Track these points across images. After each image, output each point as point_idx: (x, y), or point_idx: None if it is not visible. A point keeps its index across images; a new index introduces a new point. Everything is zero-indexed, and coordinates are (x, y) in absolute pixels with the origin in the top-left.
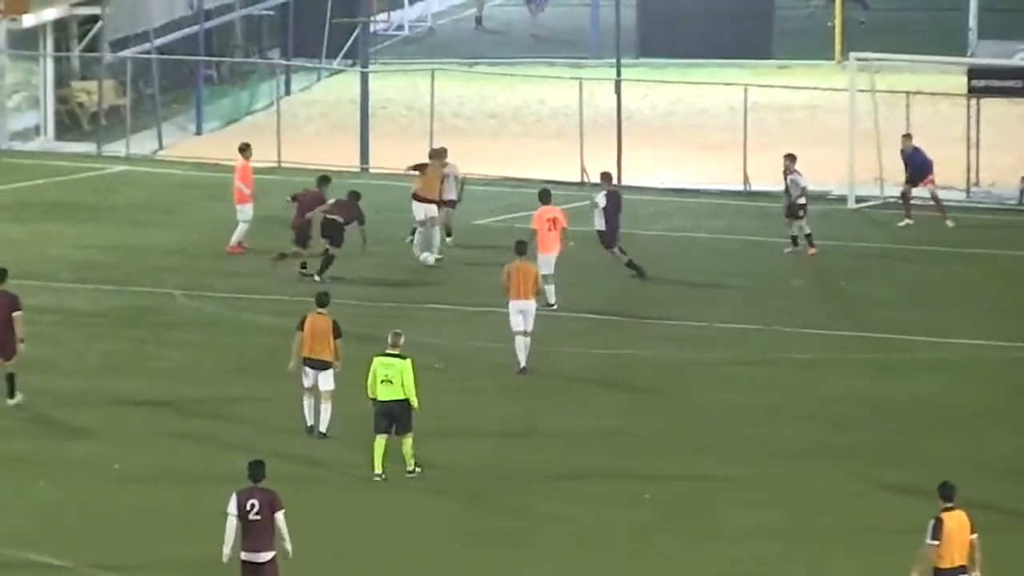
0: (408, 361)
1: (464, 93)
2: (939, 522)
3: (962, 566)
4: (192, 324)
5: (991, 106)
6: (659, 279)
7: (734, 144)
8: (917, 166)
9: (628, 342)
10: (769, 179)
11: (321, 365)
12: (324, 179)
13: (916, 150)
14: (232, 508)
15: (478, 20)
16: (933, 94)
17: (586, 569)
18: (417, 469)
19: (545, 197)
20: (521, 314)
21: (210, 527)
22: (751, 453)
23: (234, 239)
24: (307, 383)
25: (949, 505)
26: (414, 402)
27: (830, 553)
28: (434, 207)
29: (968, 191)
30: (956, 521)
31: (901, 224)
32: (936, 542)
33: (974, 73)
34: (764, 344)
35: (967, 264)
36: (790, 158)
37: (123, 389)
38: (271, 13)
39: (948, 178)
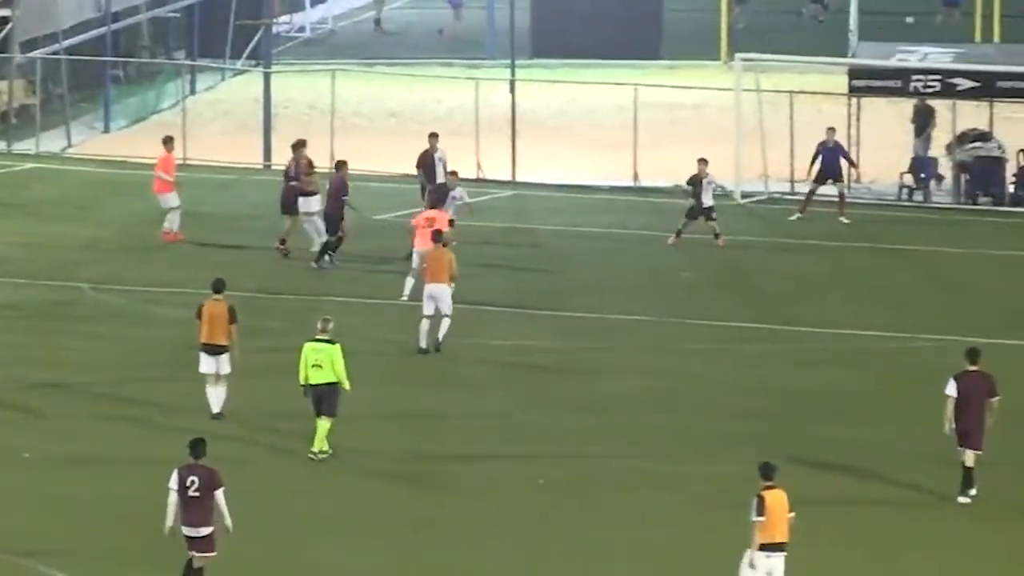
0: (337, 346)
1: (364, 93)
2: (761, 499)
3: (783, 543)
4: (102, 317)
5: (871, 105)
6: (553, 272)
7: (625, 142)
8: (830, 164)
9: (523, 333)
10: (659, 176)
11: (218, 350)
12: (341, 163)
13: (837, 146)
14: (173, 484)
15: (377, 22)
16: (816, 94)
17: (485, 552)
18: (323, 453)
19: (433, 199)
20: (432, 299)
21: (120, 512)
22: (645, 441)
23: (167, 225)
24: (208, 370)
25: (770, 484)
26: (345, 385)
27: (719, 538)
28: (315, 199)
29: (849, 187)
30: (777, 499)
31: (792, 218)
32: (761, 518)
33: (855, 73)
34: (657, 335)
35: (851, 257)
36: (704, 162)
37: (33, 380)
38: (177, 15)
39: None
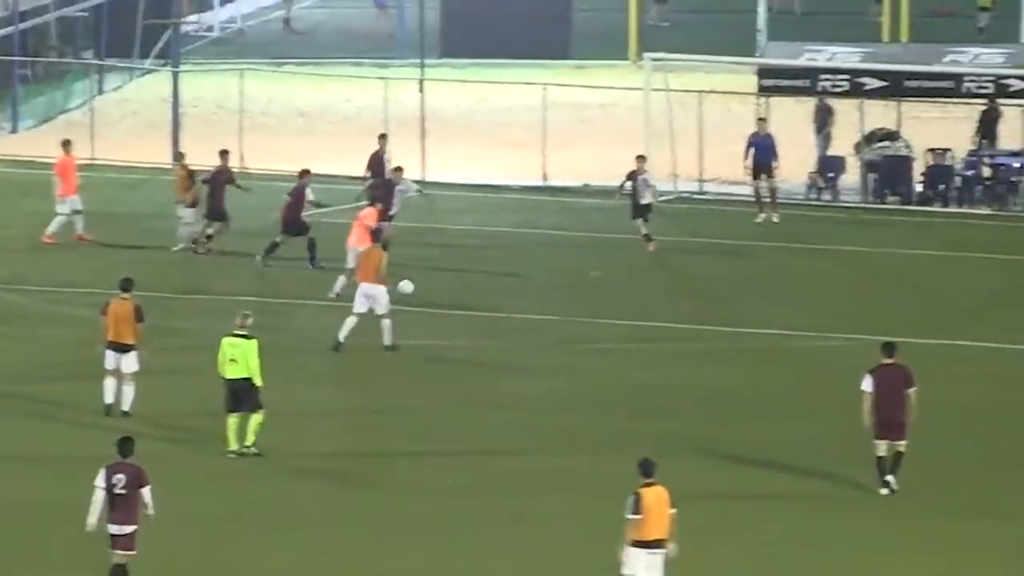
0: (254, 342)
1: (273, 92)
2: (638, 497)
3: (660, 540)
4: (8, 317)
5: (780, 105)
6: (462, 271)
7: (534, 142)
8: (762, 156)
9: (433, 333)
10: (568, 175)
11: (124, 348)
12: (305, 171)
13: (769, 137)
14: (100, 482)
15: (286, 21)
16: (725, 93)
17: (395, 557)
18: (253, 448)
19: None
20: (366, 298)
21: (23, 513)
22: (555, 441)
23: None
24: (110, 365)
25: (649, 481)
26: (257, 381)
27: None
28: (189, 211)
29: (817, 186)
30: (655, 496)
31: (757, 220)
32: (637, 516)
33: (763, 73)
34: (567, 334)
35: (762, 256)
36: (641, 159)
37: None
38: (85, 14)
39: (737, 174)
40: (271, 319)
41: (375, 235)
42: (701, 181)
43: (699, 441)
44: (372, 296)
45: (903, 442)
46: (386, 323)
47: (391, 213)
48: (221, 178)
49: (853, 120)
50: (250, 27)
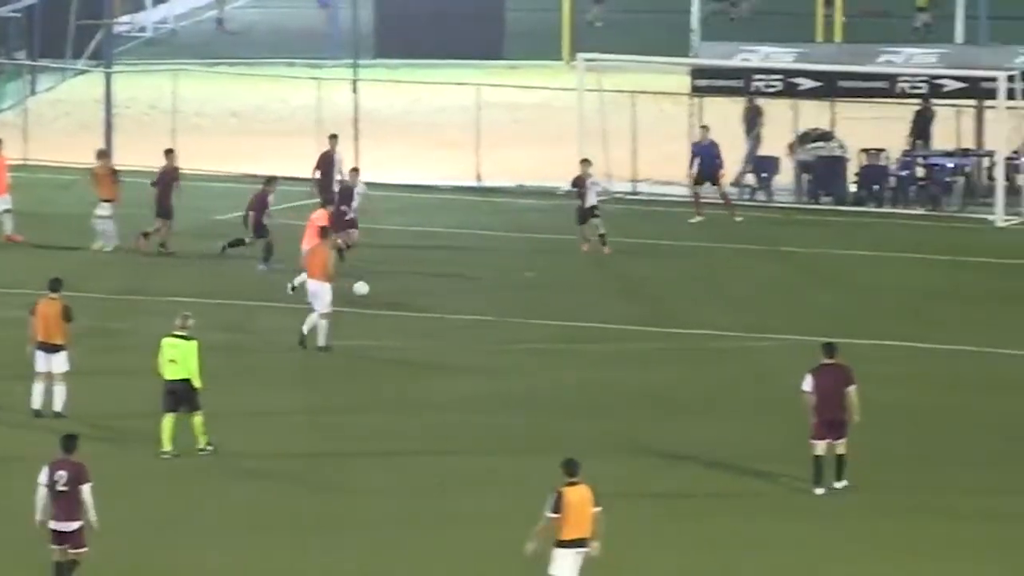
0: (194, 343)
1: (206, 93)
2: (559, 496)
3: (583, 538)
4: None
5: (714, 105)
6: (396, 272)
7: (467, 142)
8: (708, 164)
9: (367, 333)
10: (501, 176)
11: (53, 348)
12: (272, 178)
13: (712, 144)
14: (42, 478)
15: (219, 22)
16: (658, 93)
17: (331, 558)
18: (208, 447)
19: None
20: (311, 294)
21: None
22: (486, 442)
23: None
24: (41, 367)
25: (573, 480)
26: (196, 382)
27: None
28: (106, 206)
29: (691, 187)
30: (578, 495)
31: (692, 221)
32: (556, 515)
33: (697, 73)
34: (499, 335)
35: (696, 257)
36: (586, 163)
37: None
38: (17, 15)
39: (671, 175)
40: (208, 319)
41: (323, 234)
42: (635, 181)
43: (634, 441)
44: (315, 294)
45: (842, 442)
46: (322, 323)
47: (351, 216)
48: (168, 178)
49: (787, 120)
50: (183, 27)
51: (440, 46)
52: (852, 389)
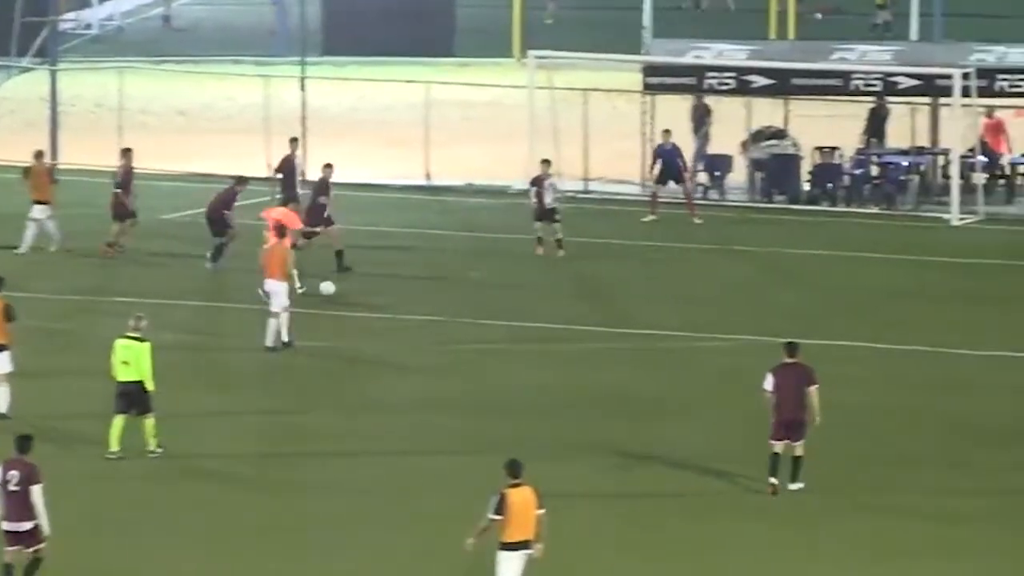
0: (147, 344)
1: (152, 91)
2: (502, 497)
3: (526, 540)
4: None
5: (666, 103)
6: (345, 272)
7: (417, 140)
8: (670, 166)
9: (314, 335)
10: (451, 175)
11: None
12: (242, 179)
13: (674, 147)
14: None
15: (166, 19)
16: (610, 91)
17: (273, 560)
18: (159, 449)
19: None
20: (270, 293)
21: None
22: (432, 443)
23: None
24: None
25: (516, 481)
26: (149, 385)
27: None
28: (41, 207)
29: (643, 185)
30: (521, 497)
31: (645, 220)
32: (498, 516)
33: (649, 71)
34: (448, 335)
35: (649, 257)
36: (546, 163)
37: None
38: None
39: (624, 173)
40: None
41: (280, 232)
42: (586, 180)
43: (587, 443)
44: (270, 291)
45: (800, 443)
46: (272, 323)
47: (328, 214)
48: (128, 177)
49: (740, 118)
50: (129, 25)
51: (389, 43)
52: (813, 389)
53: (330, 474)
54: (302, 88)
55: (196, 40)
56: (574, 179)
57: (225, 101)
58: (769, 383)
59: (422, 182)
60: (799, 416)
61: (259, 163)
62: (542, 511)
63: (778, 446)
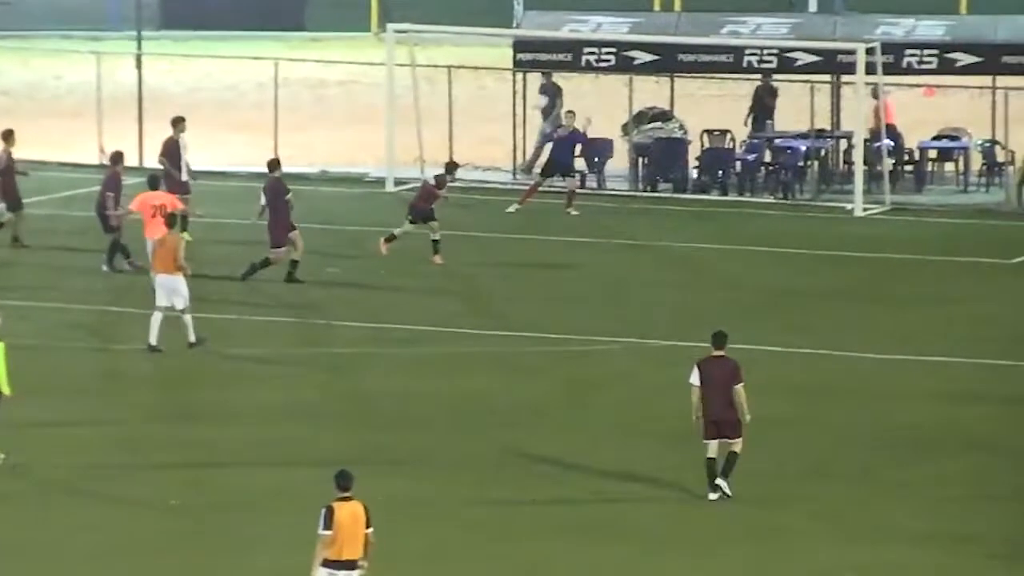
0: (0, 345)
1: None
2: (330, 511)
3: (352, 560)
4: None
5: (539, 82)
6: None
7: (265, 123)
8: (563, 155)
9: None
10: (302, 160)
11: None
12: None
13: (575, 134)
14: None
15: None
16: (477, 69)
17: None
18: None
19: (153, 183)
20: (162, 289)
21: None
22: (280, 456)
23: None
24: None
25: (345, 496)
26: (5, 389)
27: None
28: None
29: (515, 172)
30: (348, 512)
31: (510, 210)
32: (327, 532)
33: (520, 46)
34: (299, 337)
35: (515, 251)
36: (453, 167)
37: None
38: None
39: (493, 158)
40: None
41: (171, 222)
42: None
43: (446, 455)
44: (168, 287)
45: (738, 440)
46: (187, 318)
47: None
48: (11, 163)
49: (621, 99)
50: None
51: (233, 16)
52: (740, 387)
53: (172, 491)
54: (138, 66)
55: (20, 14)
56: (437, 165)
57: (53, 80)
58: (695, 377)
59: None
60: (729, 413)
61: (91, 149)
62: (370, 530)
63: (712, 445)
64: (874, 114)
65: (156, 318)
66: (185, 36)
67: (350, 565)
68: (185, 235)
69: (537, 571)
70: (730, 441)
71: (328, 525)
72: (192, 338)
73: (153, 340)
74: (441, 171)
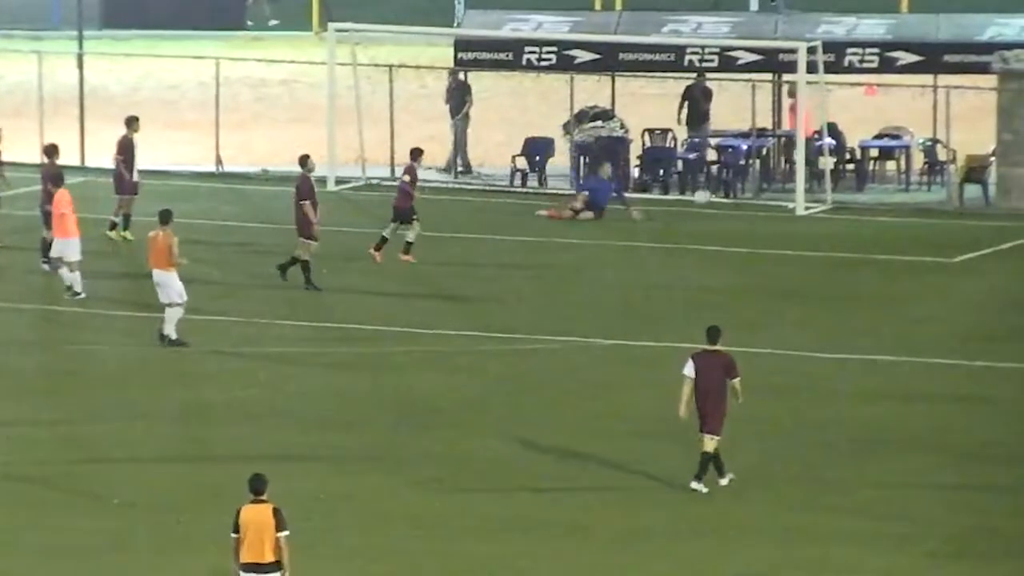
0: None
1: None
2: (236, 515)
3: (258, 563)
4: None
5: (480, 80)
6: (125, 268)
7: (206, 122)
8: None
9: (95, 336)
10: (244, 160)
11: None
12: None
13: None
14: None
15: None
16: (419, 68)
17: None
18: None
19: (59, 182)
20: (158, 286)
21: None
22: (226, 454)
23: None
24: None
25: (258, 498)
26: None
27: (315, 557)
28: None
29: (455, 172)
30: (254, 514)
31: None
32: (234, 535)
33: (461, 45)
34: (241, 336)
35: (458, 250)
36: (417, 153)
37: None
38: None
39: (433, 157)
40: None
41: (164, 218)
42: (393, 166)
43: (390, 455)
44: (161, 283)
45: (716, 438)
46: (172, 312)
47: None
48: None
49: (562, 98)
50: None
51: (174, 15)
52: (737, 382)
53: (114, 491)
54: (79, 65)
55: None
56: (379, 165)
57: None
58: (690, 369)
59: (212, 168)
60: (719, 408)
61: (32, 149)
62: (283, 533)
63: (707, 438)
64: (790, 111)
65: (167, 314)
66: (127, 35)
67: (258, 568)
68: (127, 234)
69: (479, 569)
70: (711, 437)
71: (235, 528)
72: (166, 330)
73: (173, 335)
74: (408, 162)
